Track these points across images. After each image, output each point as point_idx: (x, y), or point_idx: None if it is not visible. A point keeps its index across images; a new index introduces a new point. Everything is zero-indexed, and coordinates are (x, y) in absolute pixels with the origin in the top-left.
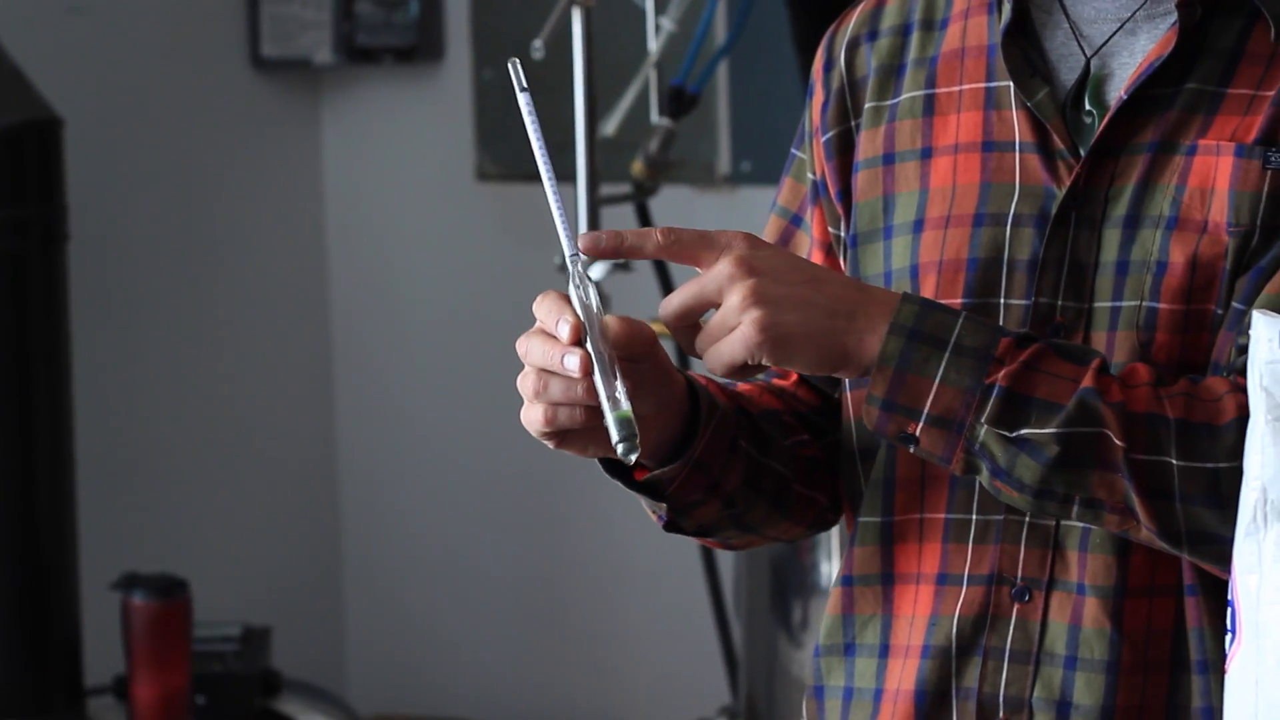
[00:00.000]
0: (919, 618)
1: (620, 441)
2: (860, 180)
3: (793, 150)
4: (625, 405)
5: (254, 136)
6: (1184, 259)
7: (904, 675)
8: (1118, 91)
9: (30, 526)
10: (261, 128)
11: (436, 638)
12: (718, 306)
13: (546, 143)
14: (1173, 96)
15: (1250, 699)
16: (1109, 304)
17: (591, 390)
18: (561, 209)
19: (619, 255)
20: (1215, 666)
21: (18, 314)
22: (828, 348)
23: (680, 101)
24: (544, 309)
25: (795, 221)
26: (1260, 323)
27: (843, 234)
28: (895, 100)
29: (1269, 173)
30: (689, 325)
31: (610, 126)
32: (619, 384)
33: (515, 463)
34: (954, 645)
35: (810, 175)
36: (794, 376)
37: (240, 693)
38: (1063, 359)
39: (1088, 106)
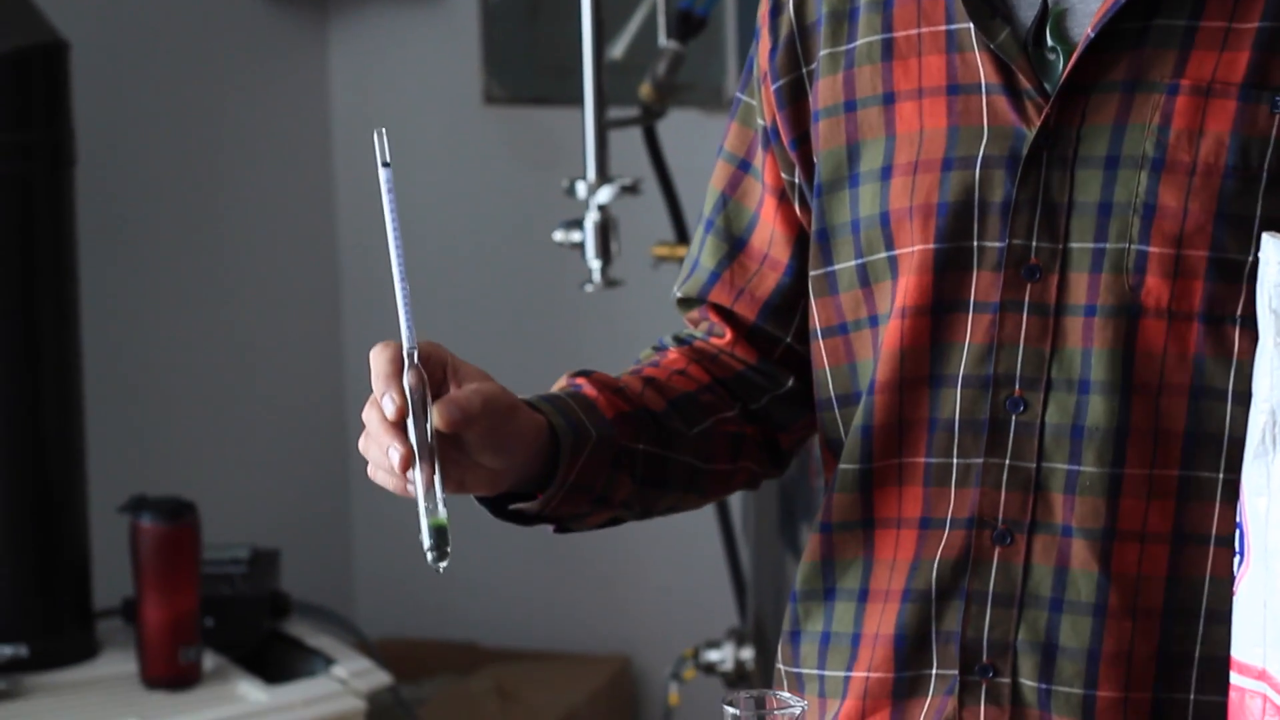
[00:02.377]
0: (900, 562)
1: (431, 550)
2: (822, 129)
3: (738, 95)
4: (441, 513)
5: (261, 60)
6: (1176, 202)
7: (883, 619)
8: (1081, 27)
9: (38, 450)
10: (269, 51)
11: None
12: None
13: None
14: (1142, 32)
15: (1259, 620)
16: (1090, 245)
17: (404, 483)
18: (408, 301)
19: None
20: (1222, 618)
21: (24, 238)
22: None
23: (688, 24)
24: (376, 370)
25: (744, 167)
26: (1270, 245)
27: (798, 180)
28: (851, 45)
29: (1278, 116)
30: None
31: (618, 49)
32: (438, 487)
33: (523, 385)
34: (934, 589)
35: (760, 121)
36: (730, 334)
37: (248, 615)
38: None
39: (1050, 43)
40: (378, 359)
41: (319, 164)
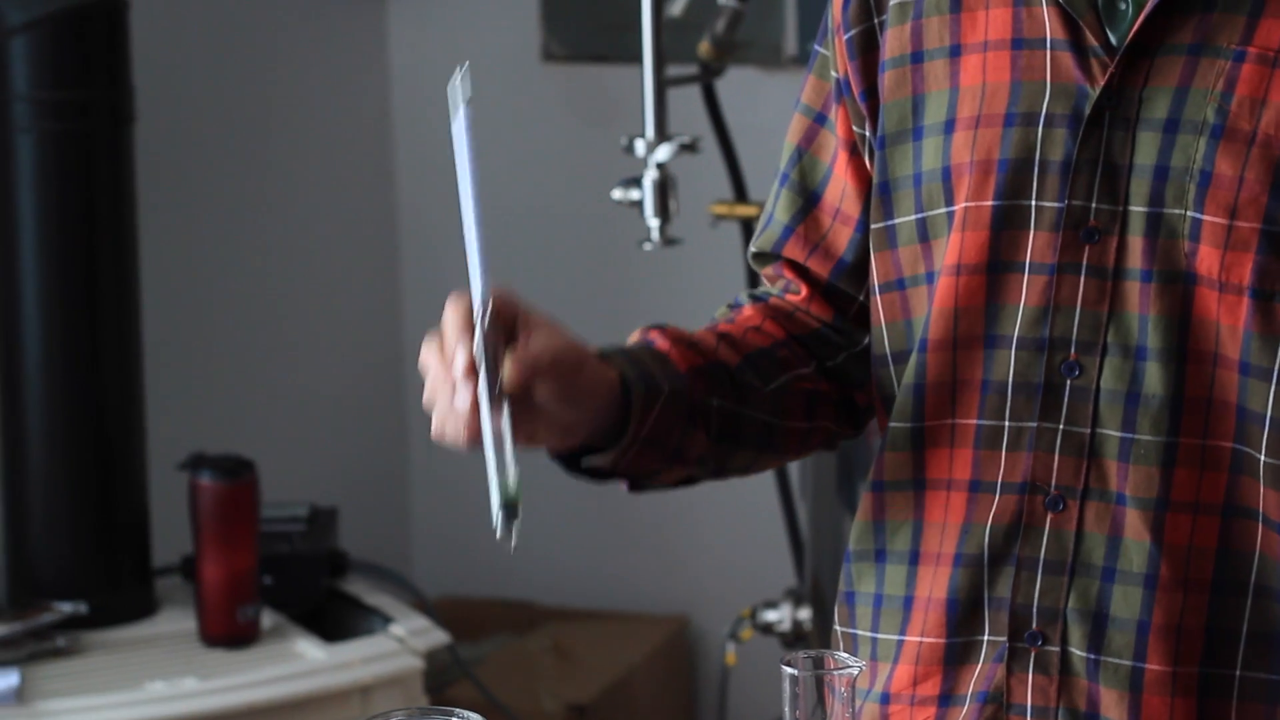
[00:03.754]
0: (951, 525)
1: (499, 526)
2: (887, 80)
3: (815, 46)
4: (512, 485)
5: (320, 18)
6: (1233, 171)
7: (935, 583)
8: None
9: (98, 408)
10: (327, 8)
11: None
12: None
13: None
14: None
15: None
16: (1144, 209)
17: (479, 429)
18: (482, 254)
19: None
20: (1270, 593)
21: (85, 195)
22: None
23: None
24: (448, 322)
25: (820, 120)
26: None
27: (868, 134)
28: None
29: None
30: None
31: (677, 7)
32: (509, 452)
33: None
34: (986, 554)
35: (833, 73)
36: (805, 291)
37: (307, 573)
38: None
39: None
40: (450, 314)
41: (378, 122)
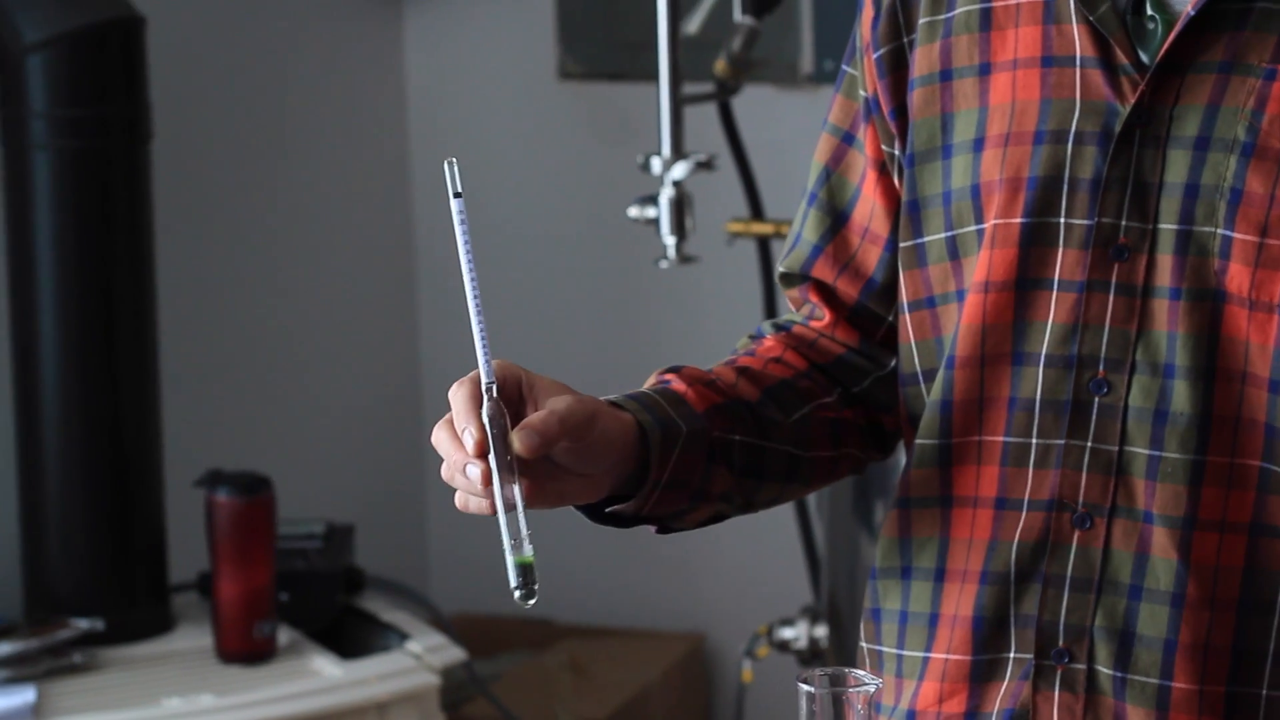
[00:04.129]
0: (977, 541)
1: (517, 589)
2: (916, 98)
3: (843, 66)
4: (527, 550)
5: (336, 36)
6: (1263, 189)
7: (961, 600)
8: (1183, 1)
9: (114, 424)
10: (344, 26)
11: None
12: None
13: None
14: (1243, 14)
15: None
16: (1174, 226)
17: (494, 502)
18: (484, 333)
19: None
20: None
21: (101, 213)
22: None
23: (763, 0)
24: (455, 407)
25: (848, 140)
26: None
27: (897, 153)
28: (950, 14)
29: None
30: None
31: (693, 25)
32: (522, 520)
33: (596, 360)
34: (1013, 571)
35: (862, 92)
36: (830, 315)
37: (323, 590)
38: None
39: (1150, 11)
40: (456, 395)
41: (394, 140)
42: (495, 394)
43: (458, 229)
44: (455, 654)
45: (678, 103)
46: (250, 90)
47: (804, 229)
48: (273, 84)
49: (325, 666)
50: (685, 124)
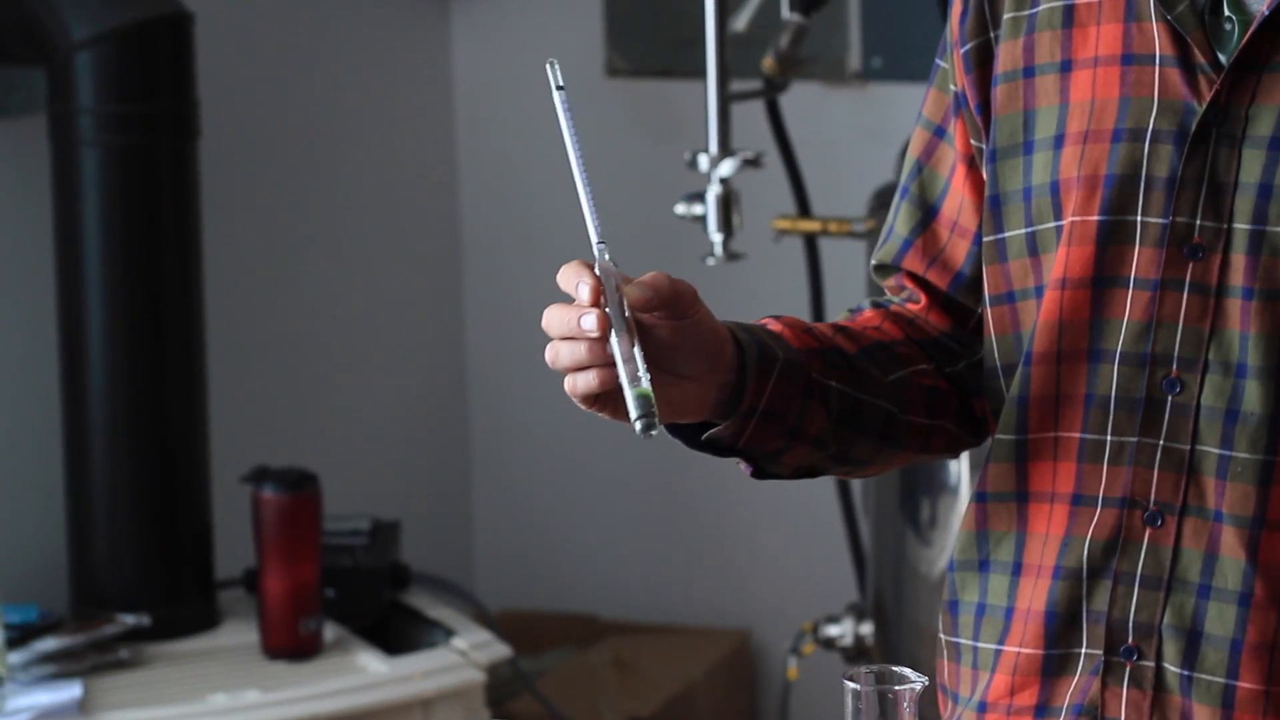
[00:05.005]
0: (1052, 537)
1: (638, 419)
2: (999, 94)
3: (937, 60)
4: (644, 382)
5: (384, 32)
6: None
7: (1035, 594)
8: (1259, 5)
9: (162, 420)
10: (391, 23)
11: (563, 534)
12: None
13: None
14: None
15: None
16: (1248, 226)
17: (608, 353)
18: (592, 201)
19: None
20: None
21: (149, 210)
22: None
23: None
24: (565, 276)
25: (939, 134)
26: None
27: (984, 147)
28: (1034, 10)
29: None
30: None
31: (741, 22)
32: (639, 358)
33: None
34: (1085, 567)
35: (952, 86)
36: (925, 300)
37: (369, 586)
38: None
39: (1227, 13)
40: (567, 267)
41: (441, 137)
42: (606, 255)
43: (562, 116)
44: (500, 650)
45: (725, 100)
46: (297, 87)
47: (896, 222)
48: (320, 81)
49: (371, 663)
50: (733, 121)
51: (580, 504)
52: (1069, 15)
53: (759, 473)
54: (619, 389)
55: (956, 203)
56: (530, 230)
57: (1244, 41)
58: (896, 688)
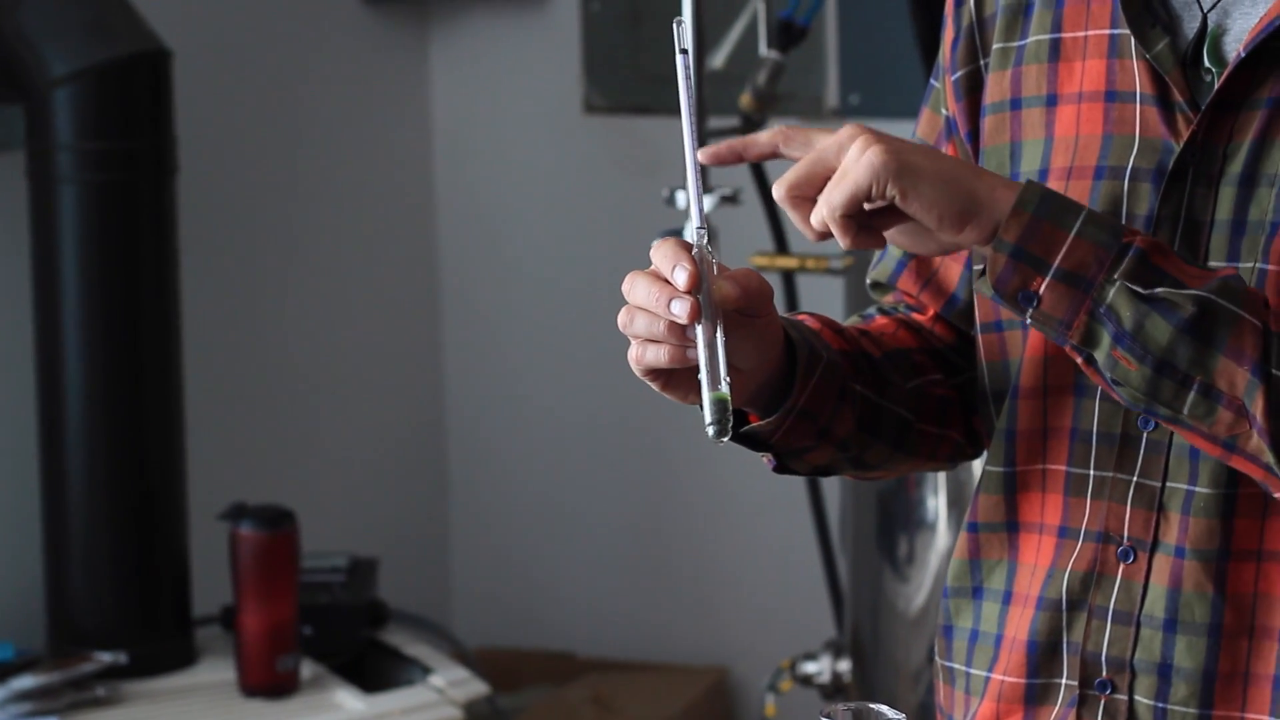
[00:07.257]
0: (1039, 567)
1: (712, 423)
2: (988, 124)
3: (931, 81)
4: (724, 387)
5: (363, 68)
6: None
7: (1020, 624)
8: (1237, 48)
9: (139, 457)
10: (370, 59)
11: (541, 571)
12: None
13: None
14: None
15: None
16: (1222, 264)
17: (688, 335)
18: (698, 178)
19: (740, 160)
20: None
21: (127, 245)
22: (957, 191)
23: (789, 34)
24: (662, 253)
25: None
26: None
27: None
28: (1022, 42)
29: None
30: (805, 198)
31: (718, 59)
32: (722, 358)
33: (621, 395)
34: (1064, 599)
35: (944, 110)
36: (930, 311)
37: (347, 623)
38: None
39: (1206, 64)
40: (663, 244)
41: (420, 172)
42: (705, 239)
43: (681, 82)
44: (478, 688)
45: (702, 137)
46: (276, 123)
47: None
48: (299, 118)
49: (348, 700)
50: None
51: (558, 542)
52: (1055, 49)
53: (780, 468)
54: (682, 369)
55: None
56: (508, 267)
57: (1222, 80)
58: None
